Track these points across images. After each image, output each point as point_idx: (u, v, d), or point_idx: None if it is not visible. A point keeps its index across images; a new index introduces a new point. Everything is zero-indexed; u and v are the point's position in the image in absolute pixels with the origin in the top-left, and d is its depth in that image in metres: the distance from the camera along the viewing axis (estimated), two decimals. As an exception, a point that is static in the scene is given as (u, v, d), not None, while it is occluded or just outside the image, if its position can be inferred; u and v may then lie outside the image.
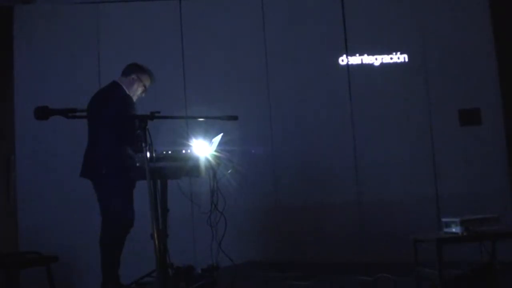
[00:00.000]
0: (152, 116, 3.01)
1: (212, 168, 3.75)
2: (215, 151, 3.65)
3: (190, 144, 3.67)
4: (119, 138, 3.70)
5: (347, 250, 5.06)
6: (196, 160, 3.57)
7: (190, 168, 3.59)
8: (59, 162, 4.96)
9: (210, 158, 3.63)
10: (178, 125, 4.76)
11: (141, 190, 3.57)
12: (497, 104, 5.32)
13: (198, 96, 5.16)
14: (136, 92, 3.99)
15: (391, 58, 5.42)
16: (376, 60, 5.42)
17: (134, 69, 3.99)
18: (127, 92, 3.95)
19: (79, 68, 5.20)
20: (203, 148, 3.63)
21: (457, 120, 5.33)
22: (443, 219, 3.80)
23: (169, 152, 3.52)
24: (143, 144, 2.91)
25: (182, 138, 3.93)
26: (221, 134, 3.68)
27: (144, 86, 4.00)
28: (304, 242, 5.07)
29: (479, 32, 5.40)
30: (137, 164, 3.44)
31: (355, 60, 5.42)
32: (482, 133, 5.30)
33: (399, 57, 5.42)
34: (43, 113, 2.79)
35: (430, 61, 5.41)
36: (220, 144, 3.66)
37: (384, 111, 5.32)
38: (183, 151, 3.58)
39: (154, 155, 3.03)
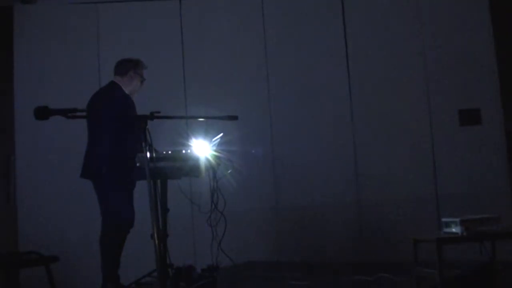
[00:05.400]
0: (152, 116, 3.01)
1: (212, 168, 3.75)
2: (215, 151, 3.65)
3: (190, 144, 3.67)
4: (119, 138, 3.70)
5: (347, 250, 5.06)
6: (196, 160, 3.57)
7: (190, 168, 3.59)
8: (59, 162, 4.95)
9: (210, 158, 3.63)
10: (178, 125, 4.77)
11: (141, 190, 3.57)
12: (497, 104, 5.32)
13: (198, 96, 5.16)
14: (136, 86, 4.01)
15: (391, 58, 5.42)
16: (376, 60, 5.41)
17: (129, 66, 4.01)
18: (128, 90, 3.97)
19: (79, 68, 5.20)
20: (203, 148, 3.62)
21: (457, 120, 5.33)
22: (443, 219, 3.80)
23: (169, 152, 3.52)
24: (143, 144, 2.91)
25: (182, 138, 3.93)
26: (221, 134, 3.68)
27: (141, 76, 4.03)
28: (304, 242, 5.08)
29: (479, 32, 5.40)
30: (137, 164, 3.44)
31: (355, 60, 5.41)
32: (482, 133, 5.30)
33: (399, 57, 5.42)
34: (43, 113, 2.78)
35: (430, 61, 5.40)
36: (220, 144, 3.66)
37: (384, 111, 5.32)
38: (183, 151, 3.58)
39: (154, 155, 3.03)
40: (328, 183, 5.22)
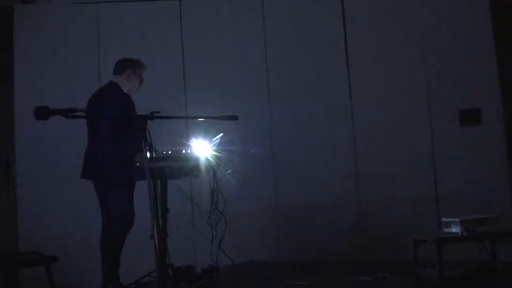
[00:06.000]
0: (152, 116, 3.01)
1: (212, 168, 3.75)
2: (215, 151, 3.65)
3: (190, 144, 3.67)
4: (119, 138, 3.71)
5: (347, 250, 5.05)
6: (196, 160, 3.57)
7: (190, 168, 3.59)
8: (59, 162, 4.95)
9: (210, 158, 3.63)
10: (178, 125, 4.77)
11: (141, 190, 3.57)
12: (497, 104, 5.31)
13: (198, 96, 5.16)
14: (135, 86, 4.02)
15: (391, 59, 5.41)
16: (376, 59, 5.41)
17: (127, 65, 4.02)
18: (126, 90, 3.98)
19: (79, 68, 5.20)
20: (203, 148, 3.63)
21: (457, 120, 5.33)
22: (443, 219, 3.80)
23: (169, 152, 3.52)
24: (143, 144, 2.92)
25: (182, 138, 3.93)
26: (221, 134, 3.68)
27: (140, 76, 4.03)
28: (304, 242, 5.07)
29: (479, 32, 5.39)
30: (137, 164, 3.45)
31: (355, 60, 5.41)
32: (482, 133, 5.29)
33: (399, 57, 5.41)
34: (43, 113, 2.78)
35: (430, 61, 5.40)
36: (220, 144, 3.67)
37: (384, 111, 5.32)
38: (183, 151, 3.58)
39: (154, 155, 3.03)
40: (328, 183, 5.21)
